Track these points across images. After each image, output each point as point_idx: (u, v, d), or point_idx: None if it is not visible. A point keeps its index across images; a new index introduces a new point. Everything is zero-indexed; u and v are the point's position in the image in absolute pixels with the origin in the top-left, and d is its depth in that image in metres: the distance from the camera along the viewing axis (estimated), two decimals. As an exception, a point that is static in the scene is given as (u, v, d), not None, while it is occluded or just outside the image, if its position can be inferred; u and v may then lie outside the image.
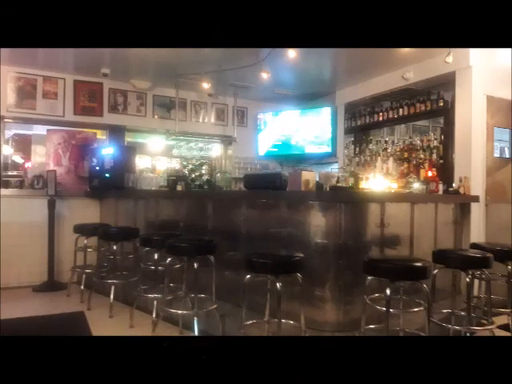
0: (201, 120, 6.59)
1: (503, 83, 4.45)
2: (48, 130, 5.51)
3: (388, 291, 2.33)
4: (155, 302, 3.35)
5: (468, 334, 2.79)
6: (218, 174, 5.21)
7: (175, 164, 6.45)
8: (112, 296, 3.83)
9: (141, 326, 3.49)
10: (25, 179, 5.30)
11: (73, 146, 5.49)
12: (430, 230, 3.64)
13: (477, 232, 4.20)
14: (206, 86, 5.39)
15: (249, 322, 2.76)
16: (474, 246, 3.26)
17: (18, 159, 6.49)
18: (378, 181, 4.18)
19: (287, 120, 6.57)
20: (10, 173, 5.63)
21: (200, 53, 4.64)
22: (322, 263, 2.93)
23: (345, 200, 2.91)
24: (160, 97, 6.26)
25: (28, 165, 5.89)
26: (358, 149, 6.34)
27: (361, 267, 2.48)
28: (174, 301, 3.43)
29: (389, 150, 5.73)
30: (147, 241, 3.49)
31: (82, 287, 4.36)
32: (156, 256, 3.38)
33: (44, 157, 5.52)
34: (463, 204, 4.05)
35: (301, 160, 6.76)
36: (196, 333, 2.99)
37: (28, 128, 6.31)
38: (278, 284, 2.44)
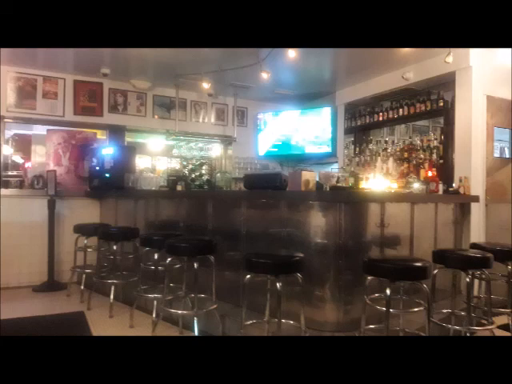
0: (201, 120, 6.59)
1: (503, 83, 4.45)
2: (48, 130, 5.52)
3: (388, 291, 2.33)
4: (155, 302, 3.35)
5: (468, 334, 2.79)
6: (218, 174, 5.22)
7: (175, 164, 6.45)
8: (112, 296, 3.83)
9: (141, 326, 3.49)
10: (25, 179, 5.31)
11: (73, 146, 5.50)
12: (430, 230, 3.64)
13: (477, 232, 4.20)
14: (206, 86, 5.38)
15: (249, 322, 2.77)
16: (474, 246, 3.26)
17: (18, 159, 6.49)
18: (378, 181, 4.18)
19: (287, 120, 6.57)
20: (10, 173, 5.63)
21: (200, 53, 4.64)
22: (322, 263, 2.93)
23: (345, 200, 2.91)
24: (160, 97, 6.26)
25: (28, 165, 5.89)
26: (358, 149, 6.34)
27: (361, 267, 2.48)
28: (174, 301, 3.44)
29: (389, 150, 5.73)
30: (147, 241, 3.48)
31: (82, 287, 4.37)
32: (156, 256, 3.38)
33: (44, 157, 5.52)
34: (463, 204, 4.05)
35: (301, 160, 6.76)
36: (196, 333, 2.99)
37: (28, 128, 6.31)
38: (278, 284, 2.44)
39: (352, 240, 2.92)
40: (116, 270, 4.18)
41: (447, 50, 4.05)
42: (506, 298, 3.19)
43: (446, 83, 4.78)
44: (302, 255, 2.58)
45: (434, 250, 2.93)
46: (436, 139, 5.14)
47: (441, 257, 2.76)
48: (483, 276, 2.95)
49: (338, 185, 3.47)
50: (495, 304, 3.17)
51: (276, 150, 6.68)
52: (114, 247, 4.09)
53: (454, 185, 4.21)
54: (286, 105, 6.96)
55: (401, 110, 5.50)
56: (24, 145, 6.30)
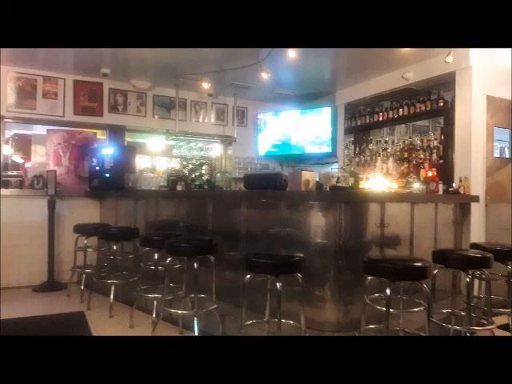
0: (201, 120, 6.59)
1: (503, 83, 4.45)
2: (48, 130, 5.52)
3: (388, 291, 2.33)
4: (155, 302, 3.35)
5: (468, 334, 2.79)
6: (218, 174, 5.22)
7: (175, 164, 6.45)
8: (112, 296, 3.83)
9: (141, 326, 3.49)
10: (25, 179, 5.31)
11: (73, 146, 5.50)
12: (430, 230, 3.64)
13: (477, 232, 4.20)
14: (206, 86, 5.38)
15: (249, 322, 2.77)
16: (474, 246, 3.26)
17: (18, 159, 6.49)
18: (378, 181, 4.18)
19: (287, 120, 6.57)
20: (10, 173, 5.63)
21: (200, 53, 4.64)
22: (322, 263, 2.93)
23: (345, 200, 2.91)
24: (160, 97, 6.26)
25: (28, 165, 5.90)
26: (358, 149, 6.34)
27: (361, 267, 2.48)
28: (174, 301, 3.44)
29: (389, 150, 5.73)
30: (147, 241, 3.48)
31: (82, 287, 4.37)
32: (156, 256, 3.38)
33: (44, 157, 5.52)
34: (463, 204, 4.05)
35: (301, 160, 6.76)
36: (196, 333, 2.99)
37: (28, 128, 6.31)
38: (278, 284, 2.44)
39: (352, 240, 2.92)
40: (116, 269, 4.18)
41: (447, 50, 4.05)
42: (506, 298, 3.19)
43: (445, 83, 4.78)
44: (302, 255, 2.58)
45: (434, 250, 2.93)
46: (436, 139, 5.14)
47: (441, 257, 2.76)
48: (483, 276, 2.95)
49: (338, 185, 3.46)
50: (495, 304, 3.17)
51: (276, 150, 6.68)
52: (114, 247, 4.08)
53: (454, 185, 4.21)
54: (286, 105, 6.96)
55: (401, 110, 5.50)
56: (24, 145, 6.31)
